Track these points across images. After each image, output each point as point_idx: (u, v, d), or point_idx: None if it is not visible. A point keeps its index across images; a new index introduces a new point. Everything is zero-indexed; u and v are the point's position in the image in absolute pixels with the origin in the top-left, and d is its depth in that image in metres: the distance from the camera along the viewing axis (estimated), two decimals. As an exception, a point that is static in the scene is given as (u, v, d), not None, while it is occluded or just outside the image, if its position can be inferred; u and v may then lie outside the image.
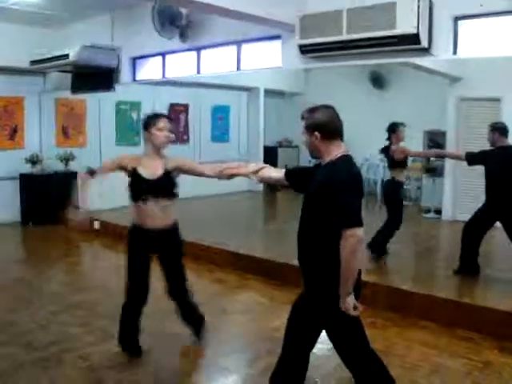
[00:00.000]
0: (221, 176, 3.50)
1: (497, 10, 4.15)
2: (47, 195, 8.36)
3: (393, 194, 6.48)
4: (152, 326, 4.13)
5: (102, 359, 3.76)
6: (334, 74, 11.05)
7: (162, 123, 3.58)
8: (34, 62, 7.18)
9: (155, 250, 3.69)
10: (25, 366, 3.68)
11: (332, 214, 2.56)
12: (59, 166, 8.64)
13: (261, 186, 11.96)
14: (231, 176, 3.47)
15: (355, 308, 2.58)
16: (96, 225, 7.78)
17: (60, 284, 5.82)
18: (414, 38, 4.26)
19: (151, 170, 3.56)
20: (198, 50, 6.23)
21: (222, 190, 9.93)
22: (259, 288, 5.55)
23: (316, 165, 2.88)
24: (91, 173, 3.62)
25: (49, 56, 6.86)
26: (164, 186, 3.57)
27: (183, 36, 6.16)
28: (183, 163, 3.71)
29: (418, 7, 4.20)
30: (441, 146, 9.70)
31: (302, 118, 2.77)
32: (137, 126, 9.98)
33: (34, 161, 8.31)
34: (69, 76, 7.64)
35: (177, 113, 10.69)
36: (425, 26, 4.27)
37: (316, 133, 2.67)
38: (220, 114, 11.74)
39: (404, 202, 10.37)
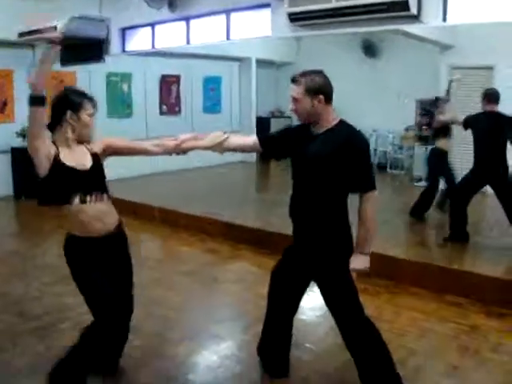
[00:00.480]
0: (175, 151, 3.08)
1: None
2: (39, 169, 8.34)
3: (437, 162, 6.76)
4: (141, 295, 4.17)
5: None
6: (326, 42, 10.97)
7: (92, 109, 2.85)
8: (21, 34, 7.07)
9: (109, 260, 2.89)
10: (21, 334, 3.74)
11: (352, 175, 2.65)
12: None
13: (254, 157, 11.99)
14: (187, 150, 3.09)
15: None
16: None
17: (53, 256, 5.79)
18: (403, 5, 4.21)
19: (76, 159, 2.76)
20: (187, 19, 6.14)
21: (213, 162, 9.91)
22: (251, 257, 5.62)
23: (300, 127, 2.86)
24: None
25: (37, 28, 6.76)
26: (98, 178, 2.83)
27: (172, 6, 6.08)
28: (110, 143, 2.99)
29: (407, -27, 4.17)
30: (432, 114, 9.72)
31: (295, 81, 2.70)
32: (128, 98, 9.94)
33: (25, 134, 8.23)
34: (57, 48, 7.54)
35: (168, 84, 10.62)
36: (414, -8, 4.23)
37: (320, 96, 2.65)
38: (212, 85, 11.66)
39: (396, 171, 10.57)
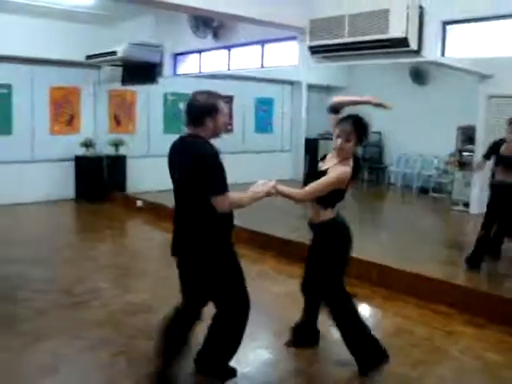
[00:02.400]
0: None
1: (481, 16, 4.61)
2: (98, 176, 9.35)
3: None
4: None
5: (121, 307, 4.56)
6: (375, 68, 11.45)
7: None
8: (89, 57, 8.11)
9: None
10: (61, 307, 4.55)
11: None
12: (110, 150, 9.58)
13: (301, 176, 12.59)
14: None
15: None
16: (139, 203, 8.70)
17: (100, 249, 6.73)
18: (403, 42, 4.77)
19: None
20: (229, 48, 6.91)
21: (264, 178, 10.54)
22: (271, 262, 6.20)
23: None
24: None
25: (101, 52, 7.76)
26: None
27: (216, 36, 6.87)
28: None
29: (408, 14, 4.71)
30: (472, 141, 10.00)
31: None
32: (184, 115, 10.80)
33: (87, 145, 9.29)
34: (119, 69, 8.54)
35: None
36: (414, 30, 4.77)
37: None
38: (264, 106, 12.39)
39: (438, 195, 10.81)
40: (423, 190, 11.43)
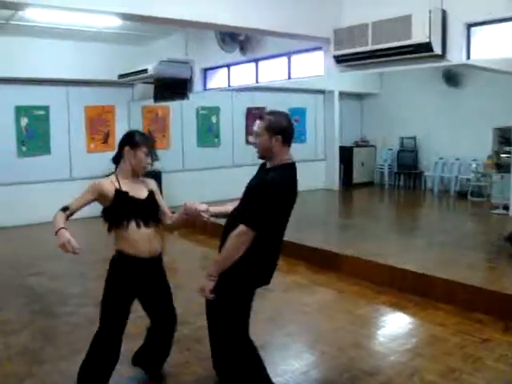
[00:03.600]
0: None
1: (506, 17, 4.55)
2: (135, 191, 9.53)
3: None
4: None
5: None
6: (408, 73, 11.35)
7: (146, 149, 3.25)
8: (121, 76, 8.33)
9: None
10: (96, 320, 4.64)
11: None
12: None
13: (336, 184, 12.59)
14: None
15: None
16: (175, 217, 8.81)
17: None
18: (427, 47, 4.75)
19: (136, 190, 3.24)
20: (256, 61, 7.00)
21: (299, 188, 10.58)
22: (303, 272, 6.22)
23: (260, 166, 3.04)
24: (64, 209, 3.23)
25: (132, 70, 7.97)
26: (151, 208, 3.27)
27: (243, 49, 6.97)
28: (157, 192, 3.41)
29: (430, 18, 4.69)
30: (510, 142, 9.81)
31: (261, 118, 2.85)
32: (216, 129, 10.97)
33: (122, 161, 9.48)
34: (151, 86, 8.74)
35: (254, 116, 11.52)
36: (437, 34, 4.74)
37: (279, 136, 2.78)
38: (296, 116, 12.42)
39: (477, 199, 10.60)
40: (461, 195, 11.23)
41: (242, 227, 2.69)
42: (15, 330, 4.49)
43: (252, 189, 2.85)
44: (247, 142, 11.51)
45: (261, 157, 2.91)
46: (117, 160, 3.35)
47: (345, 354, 3.97)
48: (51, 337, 4.35)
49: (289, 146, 2.86)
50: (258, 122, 2.86)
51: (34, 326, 4.60)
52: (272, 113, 2.90)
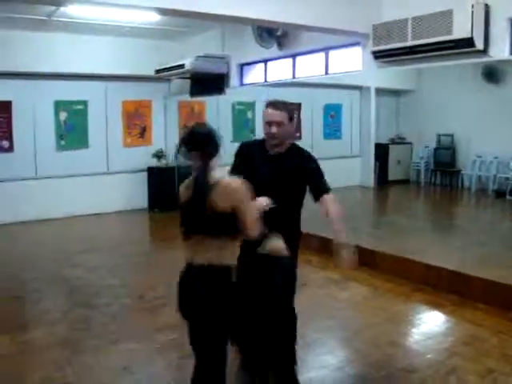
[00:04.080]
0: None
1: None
2: (170, 185, 9.55)
3: None
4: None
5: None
6: (446, 69, 11.13)
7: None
8: (157, 71, 8.42)
9: None
10: (134, 311, 4.77)
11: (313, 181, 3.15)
12: (181, 160, 9.81)
13: (371, 181, 12.47)
14: None
15: None
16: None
17: (173, 257, 6.91)
18: (469, 42, 4.66)
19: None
20: (294, 56, 6.98)
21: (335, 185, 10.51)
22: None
23: (256, 145, 3.25)
24: None
25: (169, 65, 8.05)
26: None
27: (280, 45, 6.97)
28: None
29: (472, 12, 4.60)
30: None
31: (276, 107, 3.04)
32: (252, 124, 10.98)
33: (159, 155, 9.61)
34: (188, 82, 8.81)
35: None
36: (479, 29, 4.65)
37: (293, 121, 3.14)
38: (332, 112, 12.35)
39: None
40: (500, 194, 10.98)
41: (332, 195, 3.08)
42: (55, 320, 4.60)
43: (305, 167, 3.11)
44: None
45: (279, 143, 3.11)
46: None
47: (380, 350, 3.94)
48: (89, 327, 4.44)
49: None
50: (273, 111, 3.05)
51: (73, 317, 4.70)
52: (285, 103, 3.13)
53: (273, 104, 3.10)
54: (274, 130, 3.05)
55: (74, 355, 3.88)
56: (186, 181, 2.65)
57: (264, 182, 2.99)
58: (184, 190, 2.63)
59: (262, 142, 3.24)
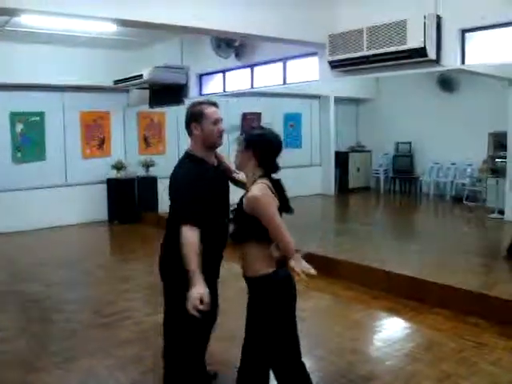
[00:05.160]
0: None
1: (500, 22, 4.57)
2: (130, 197, 9.53)
3: None
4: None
5: (152, 325, 4.61)
6: (403, 79, 11.36)
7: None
8: (116, 82, 8.35)
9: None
10: (93, 327, 4.66)
11: None
12: (141, 171, 9.77)
13: (332, 190, 12.59)
14: None
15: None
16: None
17: (133, 270, 6.85)
18: (421, 52, 4.78)
19: None
20: (252, 66, 7.02)
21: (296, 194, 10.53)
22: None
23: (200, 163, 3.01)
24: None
25: (127, 76, 7.98)
26: None
27: (238, 55, 7.00)
28: None
29: (425, 23, 4.72)
30: (505, 147, 9.82)
31: (217, 106, 3.05)
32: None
33: (118, 167, 9.50)
34: (147, 92, 8.75)
35: (249, 121, 11.52)
36: (432, 39, 4.77)
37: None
38: (292, 121, 12.43)
39: (472, 203, 10.63)
40: (457, 199, 11.23)
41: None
42: (10, 337, 4.46)
43: None
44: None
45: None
46: None
47: (342, 359, 3.96)
48: (46, 344, 4.32)
49: None
50: (218, 110, 3.02)
51: (30, 333, 4.57)
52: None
53: (213, 103, 3.04)
54: (223, 126, 3.00)
55: (30, 374, 3.77)
56: (261, 186, 2.65)
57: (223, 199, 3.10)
58: (271, 194, 2.67)
59: (194, 160, 3.02)
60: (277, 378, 2.87)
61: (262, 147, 2.73)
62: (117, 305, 5.23)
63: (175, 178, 2.95)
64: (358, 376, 3.67)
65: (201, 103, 3.03)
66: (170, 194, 2.95)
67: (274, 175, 2.77)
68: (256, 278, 2.71)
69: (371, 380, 3.61)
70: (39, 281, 6.13)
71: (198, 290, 2.64)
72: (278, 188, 2.74)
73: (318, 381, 3.63)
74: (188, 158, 3.03)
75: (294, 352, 2.83)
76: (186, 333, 3.05)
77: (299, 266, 2.66)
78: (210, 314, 2.90)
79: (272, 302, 2.70)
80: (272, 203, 2.64)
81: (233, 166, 3.09)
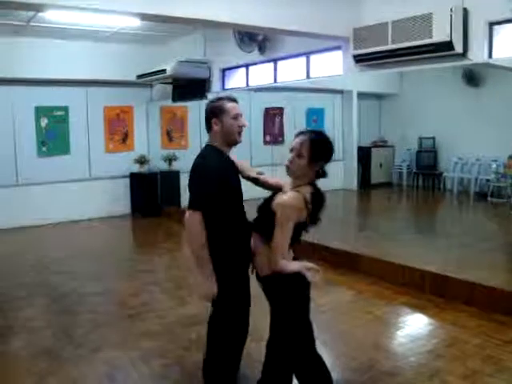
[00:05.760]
0: None
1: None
2: (153, 191, 9.59)
3: None
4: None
5: (176, 318, 4.66)
6: (428, 74, 11.22)
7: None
8: (139, 76, 8.39)
9: None
10: (118, 319, 4.73)
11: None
12: (163, 166, 9.83)
13: (354, 184, 12.52)
14: None
15: None
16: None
17: (155, 263, 6.92)
18: (448, 45, 4.70)
19: None
20: (275, 61, 6.99)
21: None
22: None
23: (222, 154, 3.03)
24: None
25: (151, 71, 8.02)
26: None
27: (261, 49, 6.98)
28: None
29: (451, 16, 4.65)
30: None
31: (237, 101, 2.99)
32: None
33: (141, 161, 9.57)
34: (170, 87, 8.78)
35: (272, 116, 11.51)
36: (459, 33, 4.69)
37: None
38: (314, 116, 12.38)
39: (497, 199, 10.48)
40: (481, 196, 11.07)
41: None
42: (37, 328, 4.54)
43: None
44: (265, 142, 11.52)
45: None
46: None
47: (364, 354, 3.94)
48: (72, 335, 4.38)
49: None
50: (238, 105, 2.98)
51: (56, 324, 4.64)
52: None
53: (233, 98, 3.02)
54: (244, 121, 2.98)
55: (56, 365, 3.82)
56: (296, 196, 2.65)
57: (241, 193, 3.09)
58: (301, 207, 2.64)
59: (216, 150, 3.03)
60: (295, 373, 2.90)
61: (327, 158, 2.73)
62: (141, 297, 5.28)
63: (197, 166, 2.94)
64: (381, 372, 3.65)
65: (220, 98, 3.02)
66: (190, 182, 2.92)
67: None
68: (269, 277, 2.74)
69: (394, 376, 3.59)
70: (65, 273, 6.22)
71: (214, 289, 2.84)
72: (316, 199, 2.72)
73: (339, 377, 3.62)
74: (210, 148, 3.03)
75: (309, 343, 2.90)
76: (227, 328, 3.08)
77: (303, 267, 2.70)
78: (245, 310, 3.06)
79: (287, 293, 2.77)
80: (291, 217, 2.60)
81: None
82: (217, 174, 2.86)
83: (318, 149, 2.68)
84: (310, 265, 2.71)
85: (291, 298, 2.77)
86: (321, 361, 2.97)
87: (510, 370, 3.67)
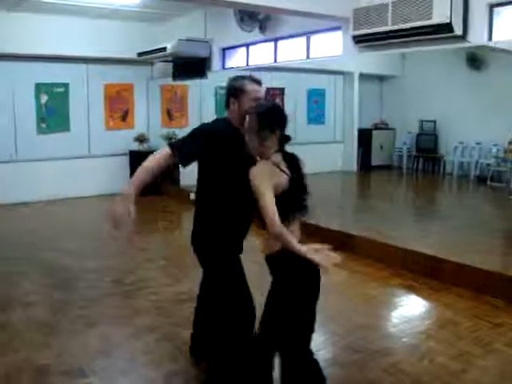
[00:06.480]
0: None
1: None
2: (152, 170, 9.58)
3: None
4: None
5: (169, 296, 4.71)
6: (430, 57, 11.15)
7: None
8: (140, 54, 8.36)
9: None
10: (112, 295, 4.76)
11: None
12: (163, 144, 9.76)
13: (354, 167, 12.51)
14: None
15: None
16: (192, 196, 8.86)
17: (151, 241, 6.96)
18: (447, 27, 4.67)
19: None
20: (275, 40, 6.95)
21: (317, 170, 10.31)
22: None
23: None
24: None
25: (151, 48, 7.98)
26: None
27: (262, 28, 6.92)
28: None
29: (452, -3, 4.60)
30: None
31: (260, 84, 2.89)
32: (236, 109, 10.92)
33: (141, 139, 9.56)
34: (171, 65, 8.74)
35: (273, 96, 11.45)
36: (459, 14, 4.65)
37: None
38: (315, 97, 12.34)
39: (497, 184, 10.48)
40: (481, 180, 11.10)
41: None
42: (33, 302, 4.58)
43: None
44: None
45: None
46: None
47: (356, 334, 3.98)
48: (67, 310, 4.43)
49: None
50: (261, 88, 2.90)
51: (52, 299, 4.69)
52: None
53: (257, 80, 2.89)
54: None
55: (51, 337, 3.88)
56: (262, 163, 2.55)
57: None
58: (272, 172, 2.49)
59: (226, 123, 2.92)
60: (282, 363, 2.68)
61: (280, 124, 2.60)
62: (136, 275, 5.32)
63: (197, 126, 2.93)
64: (373, 351, 3.69)
65: (244, 78, 2.90)
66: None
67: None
68: (273, 256, 2.58)
69: (386, 356, 3.63)
70: (61, 250, 6.25)
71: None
72: (289, 161, 2.59)
73: (331, 356, 3.67)
74: (222, 119, 2.98)
75: (304, 338, 2.70)
76: (225, 305, 3.02)
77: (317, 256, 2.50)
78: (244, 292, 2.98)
79: (293, 278, 2.59)
80: (264, 181, 2.42)
81: None
82: (211, 137, 2.78)
83: (266, 119, 2.56)
84: (318, 246, 2.53)
85: (293, 284, 2.59)
86: (312, 357, 2.73)
87: (500, 352, 3.72)
